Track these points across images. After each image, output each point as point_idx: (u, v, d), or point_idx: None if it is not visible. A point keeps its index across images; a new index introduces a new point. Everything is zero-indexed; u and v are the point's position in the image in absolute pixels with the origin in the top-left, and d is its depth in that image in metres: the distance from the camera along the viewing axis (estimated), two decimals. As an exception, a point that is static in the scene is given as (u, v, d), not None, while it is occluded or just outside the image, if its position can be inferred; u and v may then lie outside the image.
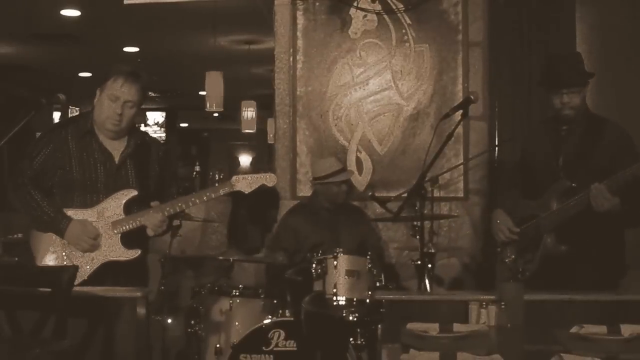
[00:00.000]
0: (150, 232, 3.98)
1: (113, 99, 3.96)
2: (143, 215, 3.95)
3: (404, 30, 6.04)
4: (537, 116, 5.71)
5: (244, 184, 4.02)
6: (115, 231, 3.93)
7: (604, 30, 6.00)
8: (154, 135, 17.65)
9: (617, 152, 4.14)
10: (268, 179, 4.07)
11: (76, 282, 3.76)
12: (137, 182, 4.04)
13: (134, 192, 3.99)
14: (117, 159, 4.04)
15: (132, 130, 4.13)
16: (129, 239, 3.96)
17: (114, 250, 3.94)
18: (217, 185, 4.17)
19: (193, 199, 4.02)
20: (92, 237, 3.90)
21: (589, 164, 4.21)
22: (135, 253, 3.97)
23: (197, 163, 18.08)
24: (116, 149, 4.07)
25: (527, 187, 4.49)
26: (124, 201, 3.96)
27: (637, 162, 3.96)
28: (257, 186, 4.04)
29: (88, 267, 3.91)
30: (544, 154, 4.41)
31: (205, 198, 4.05)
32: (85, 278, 3.88)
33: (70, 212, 3.94)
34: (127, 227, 3.94)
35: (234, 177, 4.03)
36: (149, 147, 4.20)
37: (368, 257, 4.39)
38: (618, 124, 4.32)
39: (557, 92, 4.27)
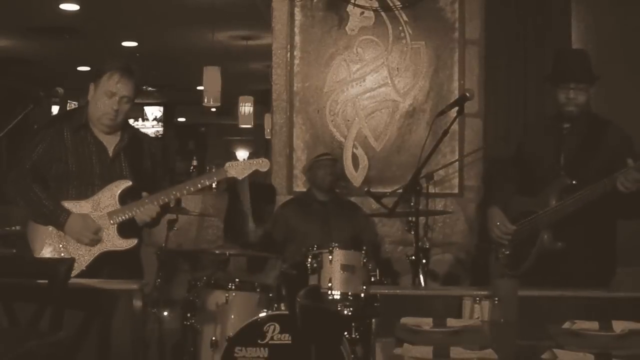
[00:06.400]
0: (139, 221, 4.00)
1: (109, 95, 3.97)
2: (139, 205, 3.97)
3: (400, 28, 6.06)
4: (533, 113, 5.75)
5: (237, 170, 4.05)
6: (112, 221, 3.96)
7: (600, 29, 6.02)
8: (152, 130, 17.75)
9: (618, 155, 4.13)
10: (261, 164, 4.10)
11: (74, 273, 3.78)
12: (130, 173, 4.07)
13: (128, 183, 4.01)
14: (111, 152, 4.07)
15: (125, 125, 4.16)
16: (125, 229, 3.99)
17: (111, 240, 3.96)
18: (210, 172, 4.18)
19: (187, 187, 4.04)
20: (93, 232, 3.92)
21: (590, 164, 4.21)
22: (132, 242, 3.99)
23: (195, 158, 18.01)
24: (110, 142, 4.10)
25: (524, 183, 4.49)
26: (118, 192, 3.98)
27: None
28: (250, 172, 4.07)
29: (86, 257, 3.93)
30: (545, 151, 4.41)
31: (199, 185, 4.07)
32: (84, 268, 3.91)
33: (65, 204, 3.96)
34: (123, 217, 3.96)
35: (227, 164, 4.06)
36: (140, 141, 4.25)
37: (363, 252, 4.43)
38: (620, 127, 4.33)
39: (564, 87, 4.23)
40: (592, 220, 4.12)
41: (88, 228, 3.92)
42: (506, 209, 4.41)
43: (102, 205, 3.97)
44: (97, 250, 3.95)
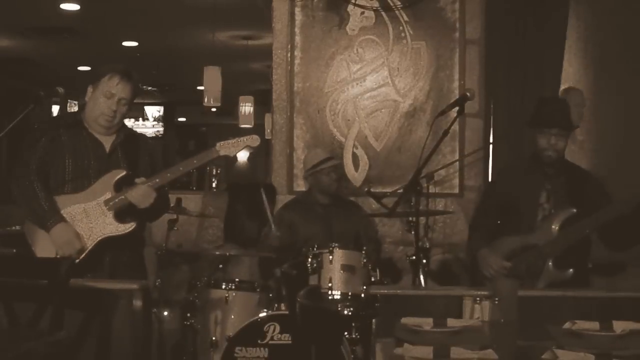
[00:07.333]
0: (137, 204, 3.99)
1: (108, 95, 4.02)
2: (133, 190, 3.97)
3: (401, 28, 6.06)
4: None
5: (229, 148, 4.08)
6: (108, 208, 3.96)
7: (600, 29, 6.02)
8: (152, 130, 17.75)
9: (598, 202, 4.28)
10: (251, 140, 4.12)
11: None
12: (128, 168, 4.08)
13: (124, 172, 4.03)
14: (107, 148, 4.11)
15: (121, 126, 4.20)
16: (124, 216, 4.01)
17: (108, 227, 3.97)
18: (202, 153, 4.17)
19: (181, 168, 4.08)
20: (75, 250, 3.91)
21: (577, 205, 4.30)
22: (130, 226, 4.00)
23: (195, 158, 18.02)
24: (107, 140, 4.14)
25: (505, 225, 4.57)
26: (113, 181, 4.00)
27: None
28: (241, 148, 4.10)
29: (85, 245, 3.95)
30: (527, 191, 4.51)
31: (192, 166, 4.09)
32: (84, 255, 3.92)
33: (63, 197, 3.99)
34: (119, 202, 3.97)
35: (218, 144, 4.09)
36: (137, 139, 4.30)
37: (363, 252, 4.43)
38: (597, 177, 4.54)
39: (546, 133, 4.39)
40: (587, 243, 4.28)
41: (71, 245, 3.92)
42: (494, 249, 4.47)
43: (98, 195, 3.99)
44: (96, 237, 3.96)
